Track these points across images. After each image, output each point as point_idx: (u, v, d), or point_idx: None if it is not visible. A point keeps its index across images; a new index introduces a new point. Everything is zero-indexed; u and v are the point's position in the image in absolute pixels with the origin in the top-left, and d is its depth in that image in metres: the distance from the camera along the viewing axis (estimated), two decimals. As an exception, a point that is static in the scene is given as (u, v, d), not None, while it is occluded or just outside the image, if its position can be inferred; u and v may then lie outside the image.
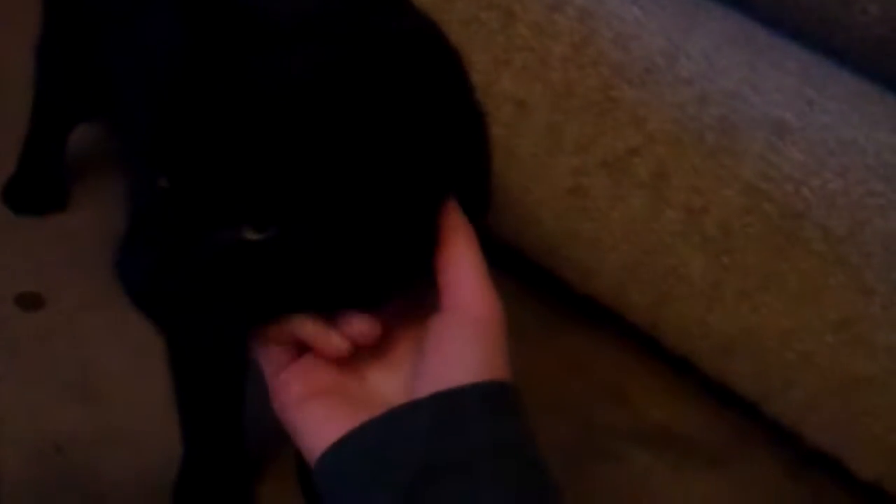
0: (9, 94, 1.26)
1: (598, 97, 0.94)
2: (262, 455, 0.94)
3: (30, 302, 1.03)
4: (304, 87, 0.50)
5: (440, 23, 0.59)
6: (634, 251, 0.98)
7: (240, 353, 0.59)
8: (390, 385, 0.53)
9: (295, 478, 0.91)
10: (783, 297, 0.92)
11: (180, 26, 0.53)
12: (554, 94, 0.96)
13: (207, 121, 0.51)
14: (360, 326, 0.53)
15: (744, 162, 0.90)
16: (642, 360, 1.08)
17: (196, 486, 0.90)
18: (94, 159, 1.18)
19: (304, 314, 0.53)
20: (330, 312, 0.54)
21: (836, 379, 0.93)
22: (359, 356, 0.54)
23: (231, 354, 0.73)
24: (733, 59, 0.91)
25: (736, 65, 0.90)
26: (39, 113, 1.10)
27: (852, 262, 0.88)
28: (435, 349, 0.51)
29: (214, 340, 0.63)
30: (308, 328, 0.53)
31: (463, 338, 0.51)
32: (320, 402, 0.52)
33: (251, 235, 0.50)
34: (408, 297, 0.55)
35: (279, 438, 0.73)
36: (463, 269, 0.52)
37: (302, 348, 0.55)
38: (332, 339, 0.53)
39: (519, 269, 1.07)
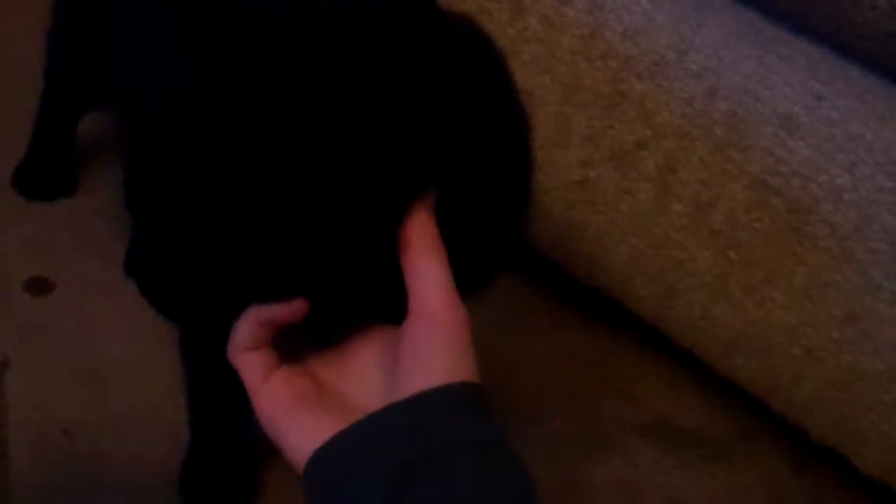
0: (18, 79, 1.26)
1: (606, 90, 0.94)
2: (268, 443, 0.95)
3: (38, 286, 1.04)
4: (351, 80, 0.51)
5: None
6: (641, 244, 0.98)
7: None
8: (367, 392, 0.55)
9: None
10: (790, 292, 0.92)
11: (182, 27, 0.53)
12: (562, 86, 0.96)
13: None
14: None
15: (752, 157, 0.90)
16: (648, 353, 1.09)
17: (201, 472, 0.91)
18: (103, 145, 1.18)
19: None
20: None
21: (842, 375, 0.93)
22: (334, 367, 0.56)
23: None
24: (742, 54, 0.90)
25: (745, 59, 0.90)
26: (49, 99, 1.10)
27: (859, 258, 0.88)
28: (407, 355, 0.53)
29: (222, 326, 0.63)
30: (267, 309, 0.54)
31: (431, 343, 0.53)
32: (306, 411, 0.54)
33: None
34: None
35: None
36: (428, 276, 0.54)
37: (276, 361, 0.56)
38: (291, 304, 0.54)
39: (526, 263, 1.07)
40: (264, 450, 0.96)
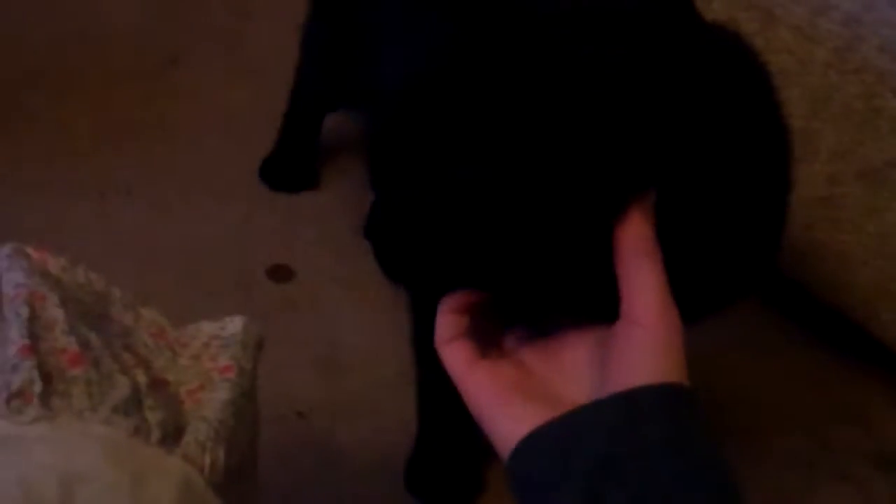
0: (268, 76, 1.34)
1: (859, 105, 0.90)
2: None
3: (281, 274, 1.09)
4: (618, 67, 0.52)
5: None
6: (888, 267, 0.93)
7: None
8: (575, 389, 0.55)
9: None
10: None
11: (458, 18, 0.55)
12: (812, 99, 0.92)
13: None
14: None
15: None
16: (885, 380, 1.04)
17: (429, 462, 0.93)
18: (345, 143, 1.23)
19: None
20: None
21: None
22: (546, 359, 0.57)
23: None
24: None
25: None
26: (298, 97, 1.16)
27: None
28: (616, 357, 0.53)
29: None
30: (457, 296, 0.56)
31: (642, 348, 0.52)
32: (513, 400, 0.55)
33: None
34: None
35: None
36: (641, 280, 0.53)
37: (477, 350, 0.57)
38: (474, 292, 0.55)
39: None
40: (488, 447, 0.98)
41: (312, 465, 0.95)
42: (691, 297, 0.54)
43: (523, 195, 0.52)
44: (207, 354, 0.63)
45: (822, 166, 0.93)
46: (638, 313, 0.53)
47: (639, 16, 0.54)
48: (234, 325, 0.67)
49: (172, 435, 0.56)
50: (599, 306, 0.55)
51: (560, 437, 0.52)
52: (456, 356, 0.57)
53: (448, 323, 0.57)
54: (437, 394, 0.89)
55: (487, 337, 0.57)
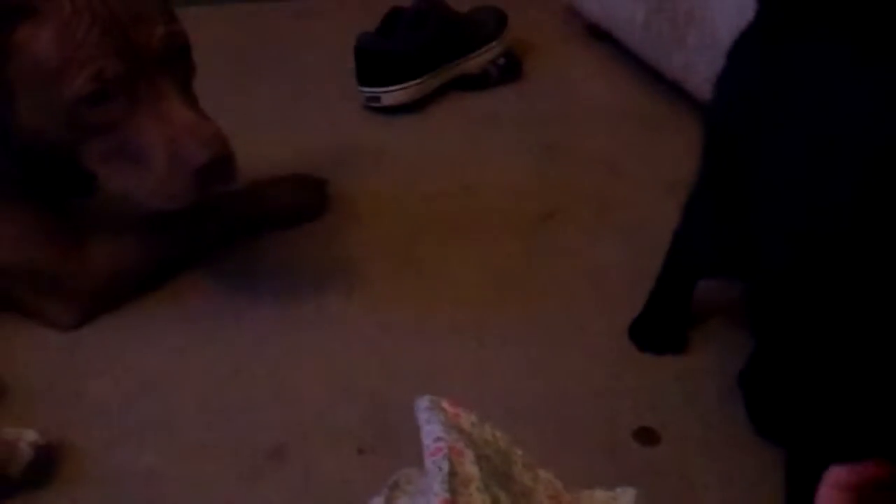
0: (638, 237, 1.37)
1: None
2: None
3: (647, 437, 1.10)
4: None
5: None
6: None
7: None
8: None
9: None
10: None
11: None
12: None
13: None
14: None
15: None
16: None
17: None
18: (717, 307, 1.23)
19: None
20: None
21: None
22: None
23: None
24: None
25: None
26: (675, 261, 1.17)
27: None
28: None
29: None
30: (843, 474, 0.52)
31: None
32: None
33: None
34: None
35: None
36: None
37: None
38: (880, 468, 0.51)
39: None
40: None
41: None
42: None
43: None
44: (602, 524, 0.65)
45: None
46: None
47: None
48: (626, 496, 0.68)
49: None
50: None
51: None
52: None
53: (832, 499, 0.54)
54: None
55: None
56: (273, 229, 1.41)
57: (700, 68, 1.51)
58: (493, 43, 1.78)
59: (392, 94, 1.67)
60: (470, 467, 0.59)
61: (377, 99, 1.67)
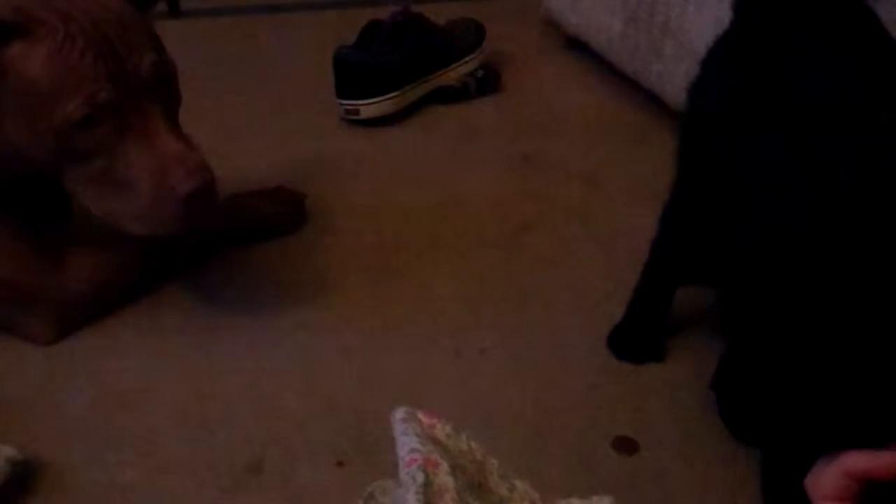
0: (616, 247, 1.38)
1: None
2: None
3: (625, 446, 1.10)
4: None
5: None
6: None
7: None
8: None
9: None
10: None
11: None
12: None
13: None
14: None
15: None
16: None
17: None
18: (694, 316, 1.24)
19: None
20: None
21: None
22: None
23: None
24: None
25: None
26: (653, 271, 1.18)
27: None
28: None
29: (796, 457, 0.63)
30: (860, 460, 0.52)
31: None
32: None
33: None
34: None
35: None
36: None
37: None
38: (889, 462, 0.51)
39: None
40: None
41: None
42: None
43: None
44: (577, 533, 0.65)
45: None
46: None
47: None
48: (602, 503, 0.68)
49: None
50: None
51: None
52: None
53: (837, 484, 0.54)
54: None
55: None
56: (250, 242, 1.41)
57: (677, 78, 1.52)
58: (472, 55, 1.79)
59: (371, 107, 1.67)
60: (445, 478, 0.59)
61: (356, 111, 1.68)
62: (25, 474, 1.05)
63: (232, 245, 1.40)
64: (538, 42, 1.99)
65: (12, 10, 1.10)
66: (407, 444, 0.61)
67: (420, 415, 0.65)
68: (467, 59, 1.78)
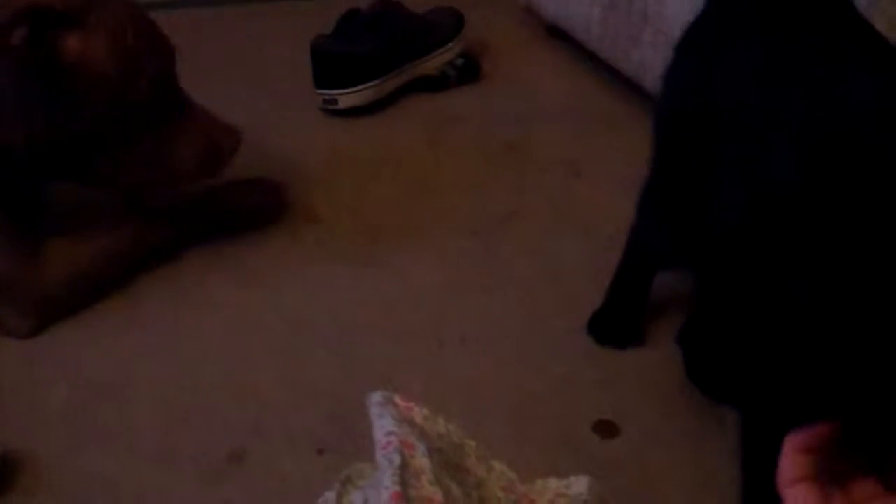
0: (596, 233, 1.38)
1: None
2: None
3: (606, 430, 1.10)
4: None
5: None
6: None
7: None
8: None
9: None
10: None
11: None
12: None
13: None
14: None
15: None
16: None
17: None
18: (672, 300, 1.24)
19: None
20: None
21: None
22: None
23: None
24: None
25: None
26: (632, 256, 1.18)
27: None
28: None
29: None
30: (801, 438, 0.53)
31: None
32: None
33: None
34: None
35: None
36: None
37: (822, 495, 0.54)
38: (821, 430, 0.52)
39: None
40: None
41: None
42: None
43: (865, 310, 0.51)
44: (555, 513, 0.65)
45: None
46: None
47: None
48: (579, 484, 0.68)
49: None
50: None
51: None
52: (800, 500, 0.55)
53: (794, 464, 0.55)
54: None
55: (835, 479, 0.55)
56: (230, 232, 1.40)
57: (656, 65, 1.52)
58: (451, 44, 1.79)
59: (349, 97, 1.67)
60: (421, 460, 0.59)
61: (335, 101, 1.67)
62: (4, 468, 1.05)
63: (211, 236, 1.39)
64: (518, 30, 1.98)
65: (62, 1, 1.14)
66: (383, 426, 0.61)
67: (397, 398, 0.65)
68: (447, 47, 1.78)
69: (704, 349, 0.59)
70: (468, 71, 1.79)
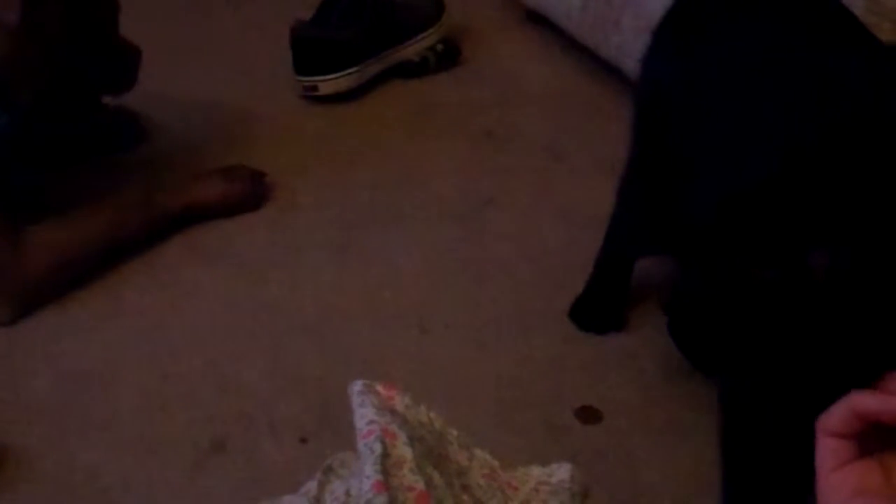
0: (578, 218, 1.38)
1: None
2: None
3: (588, 415, 1.11)
4: None
5: None
6: None
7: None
8: None
9: None
10: None
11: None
12: None
13: None
14: None
15: None
16: None
17: None
18: (653, 286, 1.25)
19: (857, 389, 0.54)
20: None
21: None
22: None
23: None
24: None
25: None
26: (612, 242, 1.19)
27: None
28: None
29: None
30: (869, 400, 0.52)
31: None
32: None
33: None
34: None
35: None
36: None
37: (860, 448, 0.54)
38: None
39: None
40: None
41: None
42: None
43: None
44: (537, 500, 0.65)
45: None
46: None
47: None
48: (561, 471, 0.69)
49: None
50: None
51: None
52: (830, 452, 0.55)
53: (842, 419, 0.54)
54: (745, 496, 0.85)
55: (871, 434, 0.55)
56: (210, 221, 1.40)
57: (636, 50, 1.50)
58: (431, 30, 1.78)
59: (329, 83, 1.66)
60: (403, 449, 0.59)
61: (314, 88, 1.67)
62: (-13, 459, 1.04)
63: (192, 224, 1.39)
64: (498, 16, 1.98)
65: None
66: (365, 415, 0.61)
67: (378, 387, 0.65)
68: (427, 33, 1.77)
69: (689, 317, 0.60)
70: (448, 57, 1.78)
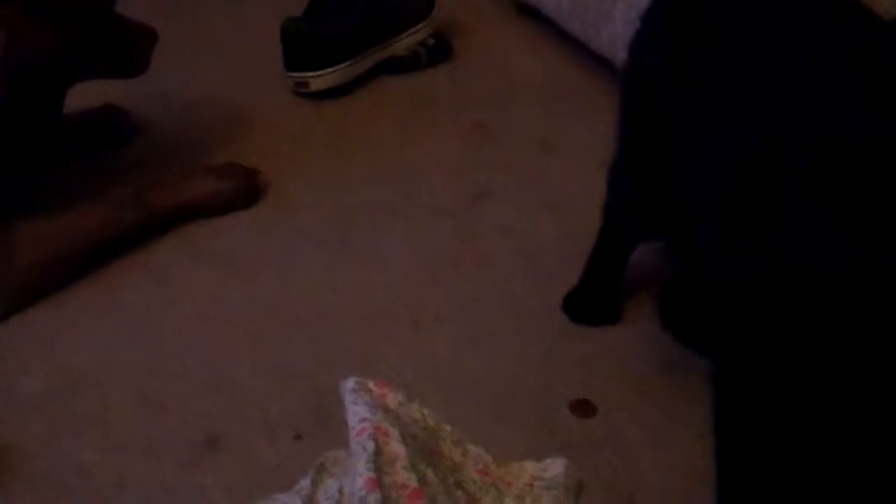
0: (571, 211, 1.38)
1: None
2: None
3: (582, 409, 1.11)
4: None
5: None
6: None
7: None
8: None
9: None
10: None
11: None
12: None
13: None
14: None
15: None
16: None
17: None
18: (647, 279, 1.24)
19: None
20: None
21: None
22: None
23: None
24: None
25: None
26: (606, 233, 1.18)
27: None
28: None
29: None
30: None
31: None
32: None
33: None
34: None
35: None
36: None
37: None
38: None
39: None
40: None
41: None
42: None
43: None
44: (531, 496, 0.65)
45: None
46: None
47: None
48: (556, 466, 0.68)
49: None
50: None
51: None
52: None
53: None
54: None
55: None
56: (202, 218, 1.40)
57: (627, 41, 1.51)
58: (422, 24, 1.77)
59: (320, 79, 1.66)
60: (395, 446, 0.59)
61: (305, 84, 1.66)
62: (-21, 459, 1.04)
63: (185, 222, 1.39)
64: (489, 9, 1.97)
65: None
66: (357, 413, 0.61)
67: (371, 384, 0.65)
68: (417, 28, 1.77)
69: (683, 300, 0.60)
70: (439, 51, 1.78)
